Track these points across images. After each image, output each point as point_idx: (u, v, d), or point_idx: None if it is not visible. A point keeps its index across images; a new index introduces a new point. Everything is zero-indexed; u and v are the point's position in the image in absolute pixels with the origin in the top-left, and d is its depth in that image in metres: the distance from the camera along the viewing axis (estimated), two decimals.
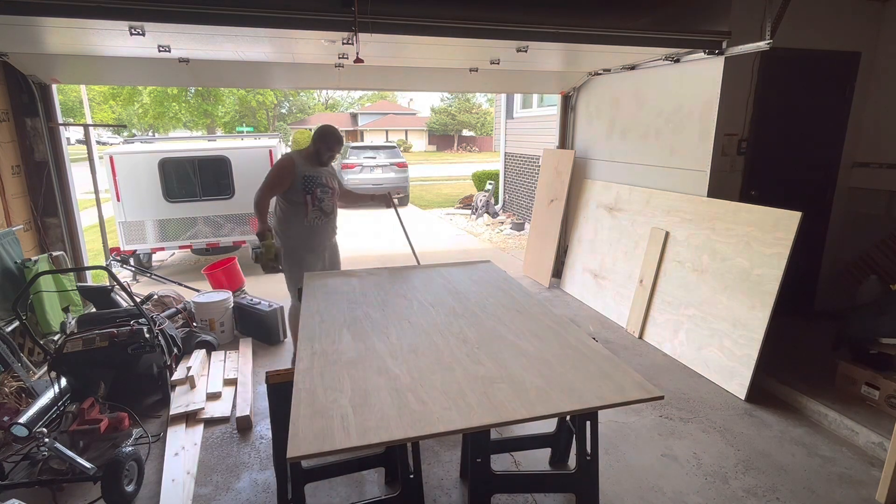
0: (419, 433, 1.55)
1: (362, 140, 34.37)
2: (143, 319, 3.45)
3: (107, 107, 23.44)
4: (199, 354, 3.87)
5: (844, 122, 4.32)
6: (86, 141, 5.30)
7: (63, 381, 3.14)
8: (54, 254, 4.59)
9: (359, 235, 9.72)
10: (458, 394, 1.76)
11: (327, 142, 3.49)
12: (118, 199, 6.26)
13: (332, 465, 2.43)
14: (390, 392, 1.77)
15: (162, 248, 6.63)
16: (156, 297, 4.57)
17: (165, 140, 8.60)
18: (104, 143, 21.34)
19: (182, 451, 2.90)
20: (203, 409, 3.31)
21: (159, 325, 3.57)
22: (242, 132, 20.95)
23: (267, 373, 2.13)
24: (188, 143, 7.41)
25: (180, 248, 6.71)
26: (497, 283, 3.01)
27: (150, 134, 25.38)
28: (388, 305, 2.65)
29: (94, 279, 5.79)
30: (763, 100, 4.01)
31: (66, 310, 4.25)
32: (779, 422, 3.24)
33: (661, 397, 1.77)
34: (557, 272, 6.06)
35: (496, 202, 11.60)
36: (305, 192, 3.45)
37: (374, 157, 13.11)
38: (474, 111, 40.45)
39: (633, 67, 4.81)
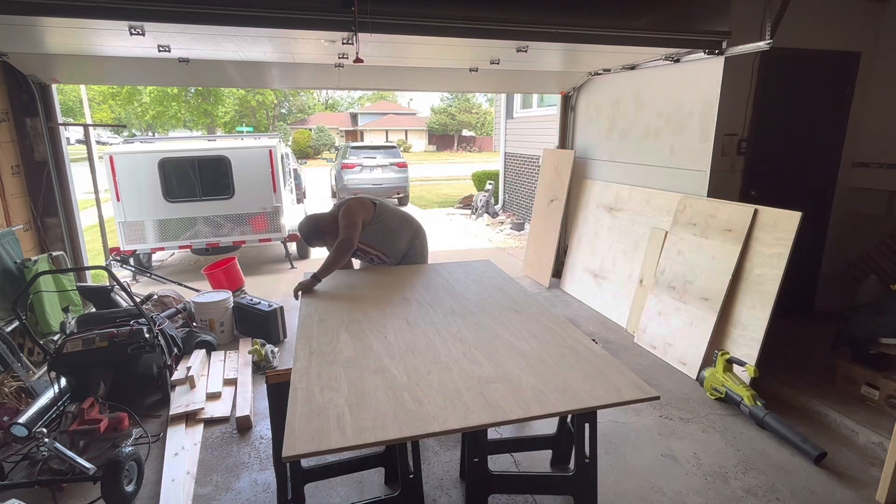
0: (415, 433, 1.55)
1: (362, 140, 34.38)
2: (143, 319, 3.45)
3: (106, 106, 23.48)
4: (199, 354, 3.87)
5: (844, 122, 4.32)
6: (86, 141, 5.30)
7: (63, 381, 3.14)
8: (54, 254, 4.60)
9: None
10: (454, 393, 1.76)
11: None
12: (118, 199, 6.26)
13: (331, 465, 2.43)
14: (387, 392, 1.77)
15: (162, 248, 6.63)
16: (156, 297, 4.57)
17: (165, 140, 8.60)
18: (104, 143, 21.35)
19: (182, 451, 2.90)
20: (203, 409, 3.31)
21: (159, 325, 3.58)
22: (242, 132, 20.96)
23: (266, 372, 2.14)
24: (188, 142, 7.40)
25: (180, 248, 6.71)
26: (496, 283, 3.01)
27: (150, 134, 25.42)
28: (387, 305, 2.65)
29: (93, 279, 5.79)
30: (763, 100, 4.01)
31: (65, 310, 4.26)
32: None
33: (658, 397, 1.78)
34: (557, 272, 6.06)
35: (496, 202, 11.59)
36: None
37: (374, 158, 13.11)
38: (474, 111, 40.42)
39: (633, 67, 4.81)
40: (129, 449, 2.62)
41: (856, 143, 4.37)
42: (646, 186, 4.75)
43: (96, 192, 5.40)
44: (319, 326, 2.36)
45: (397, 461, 2.10)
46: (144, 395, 3.45)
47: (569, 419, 2.60)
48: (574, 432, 2.22)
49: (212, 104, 25.20)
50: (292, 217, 7.35)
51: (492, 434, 2.86)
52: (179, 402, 3.36)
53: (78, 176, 5.12)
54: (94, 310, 4.31)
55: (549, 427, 2.80)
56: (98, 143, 20.03)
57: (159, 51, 3.90)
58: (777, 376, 3.55)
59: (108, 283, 4.43)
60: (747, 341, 3.48)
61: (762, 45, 3.44)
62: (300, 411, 1.64)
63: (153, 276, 5.86)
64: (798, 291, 4.36)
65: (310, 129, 35.45)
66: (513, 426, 3.05)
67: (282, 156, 7.32)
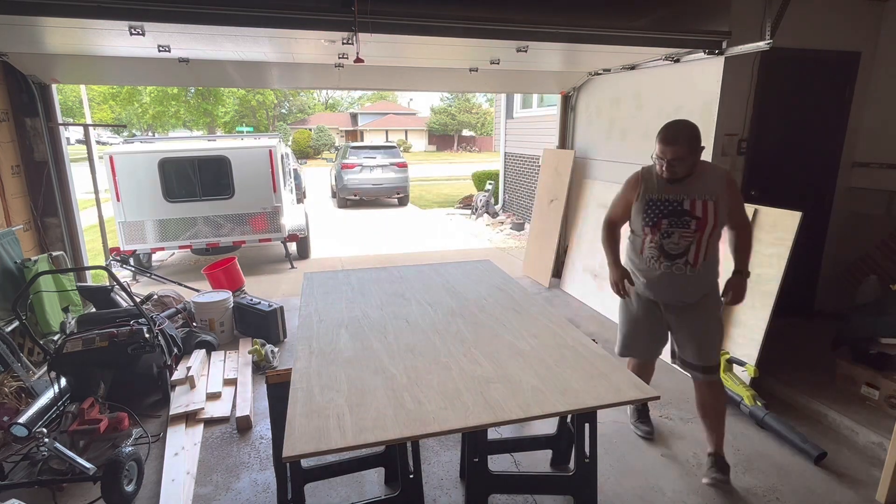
0: (415, 433, 1.55)
1: (362, 140, 34.38)
2: (143, 319, 3.45)
3: (106, 107, 23.47)
4: (199, 354, 3.88)
5: (844, 122, 4.31)
6: (86, 141, 5.30)
7: (63, 381, 3.14)
8: (54, 254, 4.60)
9: (359, 237, 9.73)
10: (454, 393, 1.76)
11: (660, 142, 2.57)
12: (118, 199, 6.26)
13: (331, 465, 2.43)
14: (387, 392, 1.77)
15: (162, 248, 6.63)
16: (156, 297, 4.57)
17: (165, 140, 8.61)
18: (104, 143, 21.35)
19: (182, 451, 2.90)
20: (203, 409, 3.31)
21: (159, 325, 3.58)
22: (242, 132, 20.97)
23: (266, 372, 2.14)
24: (188, 142, 7.40)
25: (180, 248, 6.71)
26: (496, 283, 3.01)
27: (150, 134, 25.43)
28: (387, 305, 2.65)
29: (93, 279, 5.79)
30: (763, 100, 4.00)
31: (65, 310, 4.25)
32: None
33: (657, 397, 1.78)
34: (557, 272, 6.06)
35: (496, 202, 11.59)
36: (645, 222, 2.59)
37: (374, 157, 13.10)
38: (474, 111, 40.41)
39: (633, 67, 4.81)
40: (129, 449, 2.62)
41: (856, 143, 4.37)
42: None
43: (96, 192, 5.40)
44: (319, 326, 2.36)
45: (397, 461, 2.09)
46: (144, 395, 3.45)
47: (569, 419, 2.60)
48: (574, 432, 2.22)
49: (212, 104, 25.21)
50: (292, 217, 7.35)
51: (492, 434, 2.86)
52: (179, 402, 3.36)
53: (78, 176, 5.12)
54: (94, 310, 4.31)
55: (549, 427, 2.80)
56: (98, 143, 20.02)
57: (159, 51, 3.90)
58: (777, 376, 3.55)
59: (108, 283, 4.43)
60: (747, 341, 3.48)
61: (762, 45, 3.44)
62: (300, 411, 1.64)
63: (153, 276, 5.86)
64: (798, 291, 4.35)
65: (310, 129, 35.45)
66: (513, 426, 3.05)
67: (282, 156, 7.32)
